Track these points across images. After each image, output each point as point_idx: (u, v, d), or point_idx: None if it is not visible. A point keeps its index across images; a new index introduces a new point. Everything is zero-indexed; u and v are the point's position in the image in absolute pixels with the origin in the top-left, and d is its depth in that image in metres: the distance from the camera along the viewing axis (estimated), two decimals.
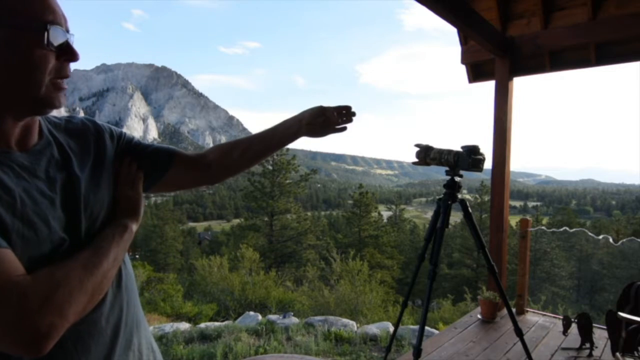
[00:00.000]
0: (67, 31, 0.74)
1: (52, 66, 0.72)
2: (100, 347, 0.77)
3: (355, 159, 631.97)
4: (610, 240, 4.89)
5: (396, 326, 2.87)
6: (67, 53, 0.74)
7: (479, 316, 3.72)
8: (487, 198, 29.18)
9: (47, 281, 0.63)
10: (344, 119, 1.13)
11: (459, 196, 2.41)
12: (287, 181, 24.82)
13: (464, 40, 4.27)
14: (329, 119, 1.10)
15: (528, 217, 4.15)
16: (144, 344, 0.91)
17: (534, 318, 3.82)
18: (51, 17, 0.71)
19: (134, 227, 0.88)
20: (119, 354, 0.81)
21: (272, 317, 6.00)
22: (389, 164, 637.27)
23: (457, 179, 2.39)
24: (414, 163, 2.52)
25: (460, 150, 2.29)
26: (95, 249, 0.75)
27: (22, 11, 0.68)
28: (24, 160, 0.74)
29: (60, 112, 0.91)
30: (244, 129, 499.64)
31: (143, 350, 0.90)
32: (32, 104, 0.73)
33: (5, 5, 0.67)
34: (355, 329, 5.30)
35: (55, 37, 0.71)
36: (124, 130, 0.95)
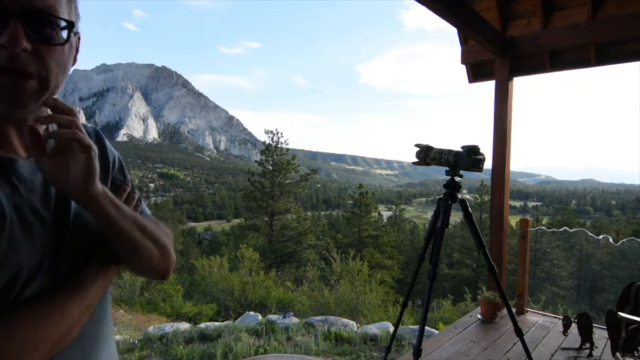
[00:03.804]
0: None
1: None
2: None
3: (355, 159, 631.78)
4: (610, 240, 4.91)
5: (396, 326, 2.87)
6: None
7: (479, 316, 3.72)
8: (487, 198, 29.17)
9: (4, 337, 0.57)
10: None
11: (459, 196, 2.41)
12: (287, 181, 24.81)
13: (464, 40, 4.27)
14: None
15: (528, 217, 4.15)
16: None
17: (534, 318, 3.82)
18: None
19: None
20: None
21: (272, 317, 6.00)
22: (389, 164, 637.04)
23: (457, 179, 2.39)
24: (414, 163, 2.52)
25: (460, 150, 2.29)
26: (72, 292, 0.67)
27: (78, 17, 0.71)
28: (25, 170, 0.67)
29: None
30: (244, 129, 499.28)
31: None
32: None
33: (77, 12, 0.70)
34: (355, 329, 5.30)
35: None
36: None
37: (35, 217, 0.65)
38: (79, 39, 0.72)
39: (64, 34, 0.65)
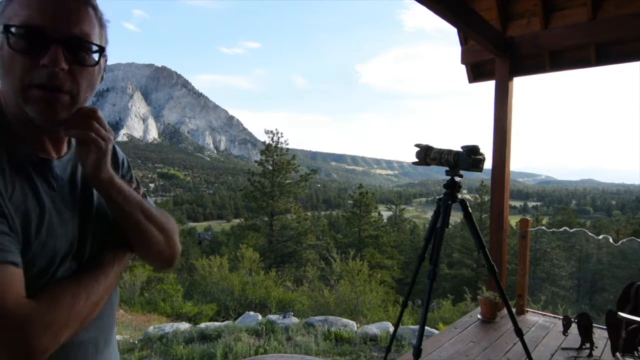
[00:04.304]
0: None
1: None
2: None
3: (355, 159, 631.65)
4: (610, 240, 4.90)
5: (396, 326, 2.87)
6: None
7: (479, 316, 3.72)
8: (487, 198, 29.15)
9: (51, 307, 0.67)
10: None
11: (459, 196, 2.41)
12: (287, 181, 24.81)
13: (464, 40, 4.26)
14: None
15: (528, 217, 4.15)
16: None
17: (534, 318, 3.82)
18: None
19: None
20: None
21: (272, 317, 6.00)
22: (389, 164, 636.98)
23: (457, 179, 2.39)
24: (414, 163, 2.52)
25: (460, 150, 2.29)
26: (96, 274, 0.78)
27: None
28: (58, 169, 0.79)
29: None
30: (244, 129, 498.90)
31: None
32: None
33: (106, 37, 0.81)
34: (355, 329, 5.29)
35: None
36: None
37: (66, 209, 0.78)
38: (106, 60, 0.82)
39: (95, 56, 0.76)
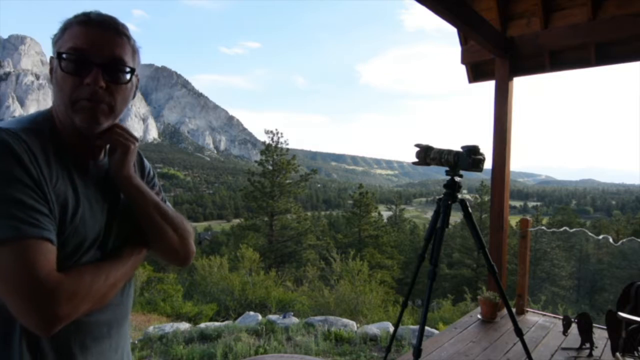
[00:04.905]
0: None
1: None
2: (95, 341, 0.92)
3: (355, 159, 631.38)
4: (610, 240, 4.88)
5: (396, 326, 2.87)
6: None
7: (479, 316, 3.72)
8: (487, 198, 29.15)
9: (75, 281, 0.80)
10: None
11: (459, 196, 2.41)
12: (287, 181, 24.81)
13: (464, 40, 4.26)
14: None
15: (528, 217, 4.15)
16: (125, 353, 1.05)
17: (534, 318, 3.82)
18: None
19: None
20: (108, 350, 0.96)
21: (272, 317, 6.00)
22: (389, 164, 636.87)
23: (457, 179, 2.39)
24: (414, 163, 2.52)
25: (460, 150, 2.29)
26: (115, 262, 0.92)
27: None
28: (92, 169, 0.95)
29: None
30: (244, 129, 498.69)
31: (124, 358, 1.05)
32: None
33: (139, 60, 0.98)
34: (355, 329, 5.30)
35: None
36: None
37: (97, 204, 0.93)
38: (138, 79, 0.99)
39: (128, 76, 0.92)
